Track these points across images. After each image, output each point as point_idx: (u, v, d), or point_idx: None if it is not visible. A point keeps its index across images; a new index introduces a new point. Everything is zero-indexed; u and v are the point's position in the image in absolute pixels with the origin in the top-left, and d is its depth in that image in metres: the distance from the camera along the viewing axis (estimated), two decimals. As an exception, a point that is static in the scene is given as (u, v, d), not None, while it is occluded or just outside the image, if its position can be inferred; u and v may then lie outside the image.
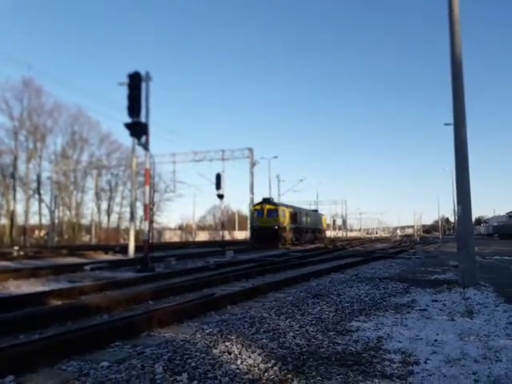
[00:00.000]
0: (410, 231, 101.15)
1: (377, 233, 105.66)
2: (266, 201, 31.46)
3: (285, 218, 31.26)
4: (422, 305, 5.94)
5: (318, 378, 3.02)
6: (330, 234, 77.33)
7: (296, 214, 34.73)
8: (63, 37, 76.94)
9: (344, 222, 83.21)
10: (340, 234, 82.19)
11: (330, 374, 3.11)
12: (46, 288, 7.51)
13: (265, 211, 30.47)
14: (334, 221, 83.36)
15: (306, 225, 37.83)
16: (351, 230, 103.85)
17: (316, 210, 47.52)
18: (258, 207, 30.90)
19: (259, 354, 3.58)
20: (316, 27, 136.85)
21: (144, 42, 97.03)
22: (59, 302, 6.15)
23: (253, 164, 35.62)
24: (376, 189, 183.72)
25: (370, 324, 4.81)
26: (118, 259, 15.10)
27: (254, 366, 3.28)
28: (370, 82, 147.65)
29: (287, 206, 33.82)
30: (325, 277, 9.41)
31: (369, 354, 3.60)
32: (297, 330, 4.45)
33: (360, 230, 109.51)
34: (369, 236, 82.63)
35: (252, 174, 35.20)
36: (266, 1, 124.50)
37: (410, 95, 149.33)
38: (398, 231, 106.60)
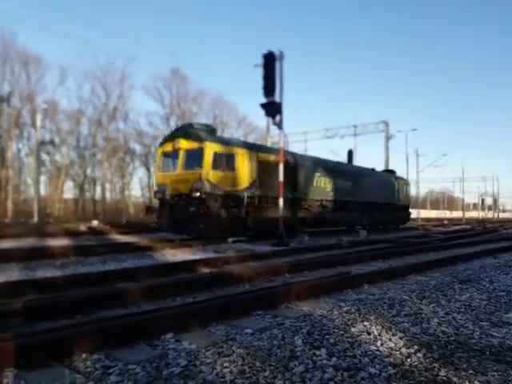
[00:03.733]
0: None
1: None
2: (185, 130, 13.55)
3: (230, 174, 13.25)
4: None
5: (470, 371, 2.76)
6: (477, 214, 69.56)
7: (286, 164, 13.96)
8: (199, 22, 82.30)
9: (495, 201, 73.89)
10: (490, 214, 73.30)
11: (484, 368, 2.82)
12: (197, 257, 8.37)
13: (180, 156, 13.13)
14: (483, 200, 74.67)
15: (337, 196, 18.09)
16: (504, 211, 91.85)
17: (391, 170, 26.90)
18: (166, 147, 13.64)
19: (400, 338, 3.43)
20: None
21: (274, 20, 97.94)
22: (207, 270, 6.79)
23: (388, 138, 33.78)
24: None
25: (533, 318, 4.20)
26: (255, 233, 15.94)
27: (396, 350, 3.15)
28: None
29: (251, 147, 14.87)
30: (474, 261, 8.52)
31: (533, 352, 3.15)
32: (442, 317, 4.13)
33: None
34: (527, 217, 71.96)
35: (387, 148, 33.50)
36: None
37: None
38: None
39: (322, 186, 17.25)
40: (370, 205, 20.88)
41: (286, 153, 16.17)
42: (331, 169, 18.47)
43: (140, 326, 3.27)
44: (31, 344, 2.74)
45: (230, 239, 12.35)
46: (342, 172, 19.54)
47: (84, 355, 2.86)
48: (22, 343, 2.71)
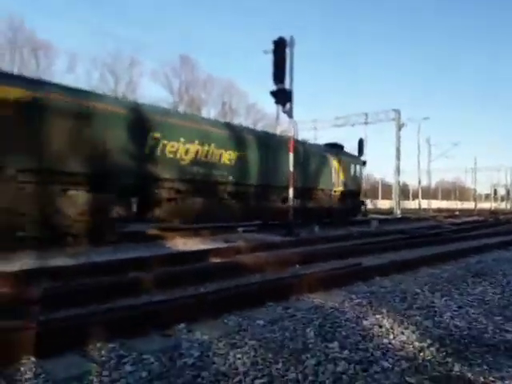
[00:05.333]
0: None
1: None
2: None
3: None
4: None
5: (485, 366, 2.75)
6: (490, 205, 68.73)
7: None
8: (213, 8, 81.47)
9: (508, 192, 72.83)
10: (503, 205, 72.36)
11: (499, 364, 2.79)
12: (208, 246, 8.41)
13: None
14: (496, 191, 73.68)
15: (211, 174, 11.86)
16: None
17: (334, 144, 19.78)
18: None
19: (413, 332, 3.41)
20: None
21: (285, 5, 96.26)
22: (218, 260, 6.83)
23: (399, 127, 33.35)
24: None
25: (547, 313, 4.15)
26: (265, 223, 15.94)
27: (408, 344, 3.14)
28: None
29: None
30: (486, 253, 8.42)
31: (548, 349, 3.12)
32: (455, 311, 4.11)
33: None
34: (542, 209, 70.83)
35: (398, 137, 33.04)
36: None
37: None
38: None
39: (176, 159, 10.76)
40: (277, 190, 14.02)
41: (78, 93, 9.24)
42: (193, 130, 11.34)
43: (153, 316, 3.30)
44: (48, 332, 2.78)
45: (240, 229, 12.39)
46: (218, 137, 12.05)
47: (99, 344, 2.89)
48: (39, 331, 2.75)
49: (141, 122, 10.00)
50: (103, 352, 2.80)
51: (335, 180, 17.43)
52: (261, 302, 4.08)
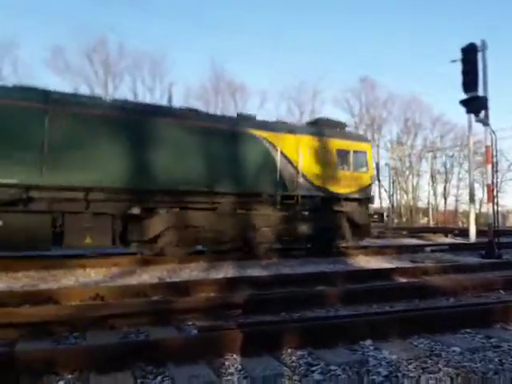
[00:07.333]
0: None
1: None
2: None
3: None
4: None
5: None
6: None
7: None
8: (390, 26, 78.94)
9: None
10: None
11: None
12: (392, 265, 8.06)
13: None
14: None
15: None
16: None
17: (326, 121, 11.66)
18: None
19: None
20: None
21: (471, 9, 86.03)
22: (403, 279, 6.47)
23: None
24: None
25: None
26: (458, 242, 14.42)
27: None
28: None
29: None
30: None
31: None
32: None
33: None
34: None
35: None
36: None
37: None
38: None
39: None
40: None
41: None
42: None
43: (340, 330, 3.35)
44: (248, 334, 3.11)
45: (428, 248, 11.48)
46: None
47: (289, 350, 3.09)
48: (241, 333, 3.10)
49: None
50: (293, 358, 2.98)
51: (290, 178, 10.03)
52: (455, 328, 3.69)
